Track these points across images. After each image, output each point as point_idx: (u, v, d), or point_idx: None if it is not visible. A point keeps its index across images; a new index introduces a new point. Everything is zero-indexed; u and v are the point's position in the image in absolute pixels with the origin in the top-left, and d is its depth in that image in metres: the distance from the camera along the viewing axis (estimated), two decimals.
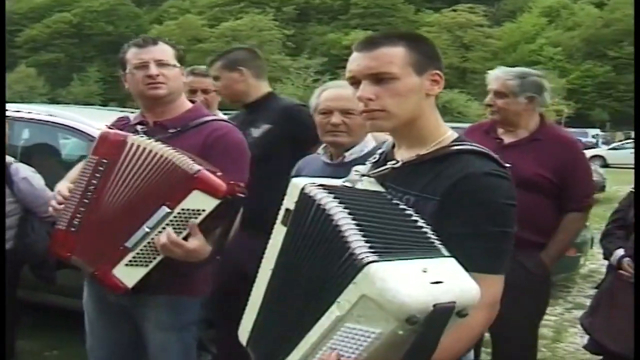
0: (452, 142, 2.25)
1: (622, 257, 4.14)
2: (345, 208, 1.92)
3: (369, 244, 1.80)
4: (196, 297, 3.48)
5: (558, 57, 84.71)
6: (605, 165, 35.43)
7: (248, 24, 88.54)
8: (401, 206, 2.10)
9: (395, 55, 2.19)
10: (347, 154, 3.44)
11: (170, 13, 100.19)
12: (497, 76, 4.44)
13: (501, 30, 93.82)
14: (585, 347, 4.53)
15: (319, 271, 1.93)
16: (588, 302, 8.40)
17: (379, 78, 2.19)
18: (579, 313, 7.99)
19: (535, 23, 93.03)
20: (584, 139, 49.53)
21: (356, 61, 2.24)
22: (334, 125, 3.43)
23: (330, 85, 3.64)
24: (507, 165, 2.21)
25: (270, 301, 2.17)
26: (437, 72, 2.27)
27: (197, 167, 2.99)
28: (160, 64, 3.36)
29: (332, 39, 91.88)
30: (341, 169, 3.01)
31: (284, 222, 2.13)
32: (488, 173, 2.10)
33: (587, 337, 4.50)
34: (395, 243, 1.83)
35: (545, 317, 7.70)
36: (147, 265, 3.07)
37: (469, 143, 2.25)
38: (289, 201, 2.13)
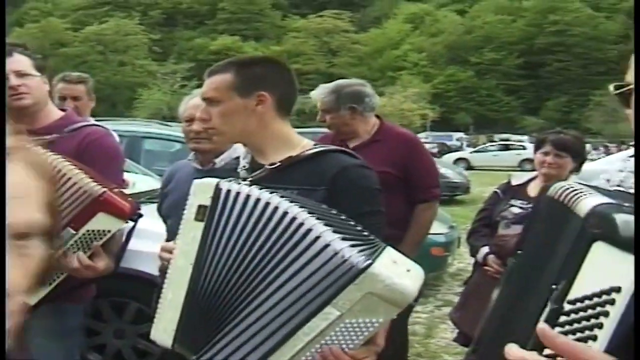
0: (314, 145, 2.59)
1: (487, 253, 4.33)
2: (290, 202, 2.12)
3: (349, 243, 2.02)
4: (79, 303, 3.45)
5: (422, 63, 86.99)
6: (470, 167, 36.43)
7: (113, 28, 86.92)
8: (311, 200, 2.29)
9: (220, 81, 2.55)
10: (217, 160, 3.46)
11: (31, 15, 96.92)
12: (317, 95, 4.61)
13: (367, 36, 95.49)
14: (455, 340, 4.72)
15: (280, 266, 2.06)
16: (457, 299, 8.67)
17: (210, 101, 2.56)
18: (449, 310, 8.25)
19: (400, 29, 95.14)
20: (448, 142, 50.97)
21: (203, 86, 2.63)
22: (195, 132, 3.47)
23: (197, 93, 3.68)
24: None
25: (200, 295, 2.21)
26: (263, 93, 2.53)
27: (101, 188, 2.95)
28: (20, 74, 3.29)
29: (199, 44, 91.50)
30: (212, 174, 3.06)
31: (198, 218, 2.24)
32: (360, 165, 2.54)
33: (457, 331, 4.67)
34: (357, 239, 2.08)
35: (417, 314, 7.97)
36: (50, 284, 3.03)
37: (329, 145, 2.66)
38: (201, 198, 2.26)
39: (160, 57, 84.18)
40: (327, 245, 1.99)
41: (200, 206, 2.25)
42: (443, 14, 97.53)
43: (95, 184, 2.97)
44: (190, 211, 2.27)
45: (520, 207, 4.32)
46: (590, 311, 1.26)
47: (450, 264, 9.72)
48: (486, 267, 4.29)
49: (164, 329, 2.30)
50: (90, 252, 2.98)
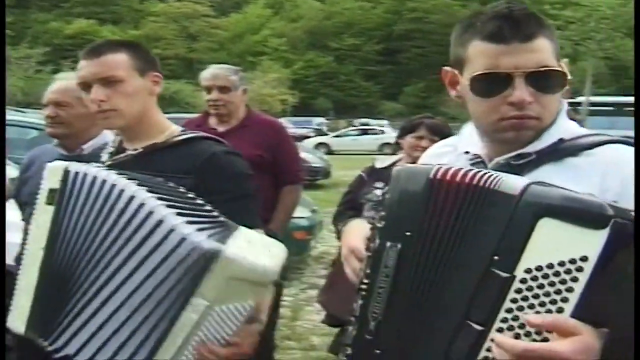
0: (181, 132, 2.60)
1: None
2: (138, 184, 2.13)
3: (196, 227, 2.03)
4: None
5: (282, 48, 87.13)
6: (330, 152, 36.77)
7: None
8: (168, 184, 2.29)
9: (120, 61, 2.49)
10: (85, 146, 3.44)
11: None
12: (218, 73, 4.89)
13: (227, 20, 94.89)
14: (323, 321, 4.80)
15: (127, 251, 2.07)
16: (321, 281, 8.74)
17: (108, 81, 2.47)
18: (313, 292, 8.36)
19: (260, 14, 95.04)
20: (309, 127, 51.30)
21: (84, 68, 2.51)
22: (50, 117, 3.46)
23: (62, 77, 3.63)
24: None
25: (51, 279, 2.20)
26: (156, 73, 2.59)
27: None
28: None
29: (55, 27, 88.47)
30: (79, 160, 3.03)
31: (48, 202, 2.23)
32: (228, 152, 2.56)
33: (323, 313, 4.75)
34: (205, 222, 2.09)
35: (283, 297, 8.04)
36: None
37: (196, 132, 2.66)
38: (51, 181, 2.24)
39: (13, 41, 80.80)
40: (171, 230, 2.00)
41: (50, 190, 2.24)
42: (303, 0, 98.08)
43: None
44: (42, 195, 2.26)
45: None
46: (555, 278, 1.44)
47: (314, 247, 9.89)
48: None
49: (17, 315, 2.27)
50: None
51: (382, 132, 44.33)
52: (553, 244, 1.46)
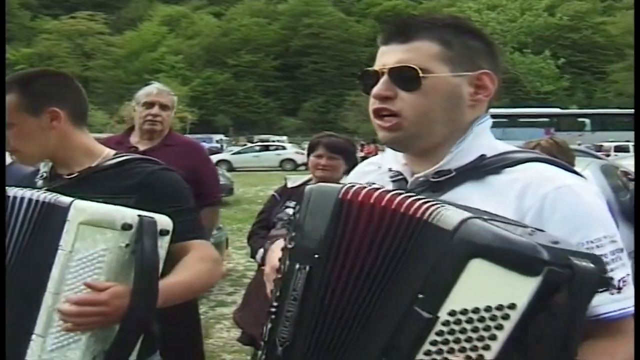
0: (115, 155, 2.61)
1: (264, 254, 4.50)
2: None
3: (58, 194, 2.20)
4: None
5: (180, 65, 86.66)
6: (232, 169, 36.58)
7: None
8: None
9: (9, 105, 2.44)
10: None
11: None
12: (163, 90, 4.95)
13: (122, 38, 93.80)
14: (239, 339, 4.84)
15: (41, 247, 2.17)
16: (229, 298, 8.87)
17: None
18: (222, 310, 8.41)
19: (155, 31, 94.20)
20: (208, 145, 50.95)
21: None
22: None
23: None
24: None
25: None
26: (54, 108, 2.48)
27: None
28: None
29: None
30: None
31: None
32: (164, 169, 2.60)
33: (232, 330, 4.80)
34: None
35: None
36: None
37: (131, 154, 2.72)
38: None
39: None
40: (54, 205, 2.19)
41: None
42: (199, 17, 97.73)
43: None
44: None
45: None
46: (479, 323, 1.37)
47: None
48: (263, 268, 4.45)
49: None
50: None
51: (283, 147, 44.43)
52: (482, 288, 1.39)
